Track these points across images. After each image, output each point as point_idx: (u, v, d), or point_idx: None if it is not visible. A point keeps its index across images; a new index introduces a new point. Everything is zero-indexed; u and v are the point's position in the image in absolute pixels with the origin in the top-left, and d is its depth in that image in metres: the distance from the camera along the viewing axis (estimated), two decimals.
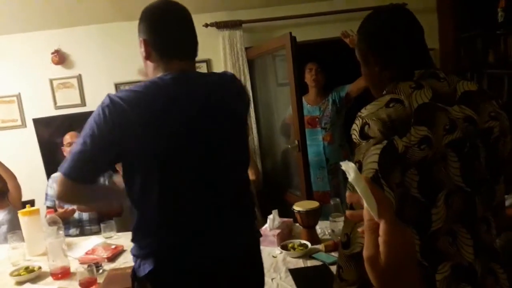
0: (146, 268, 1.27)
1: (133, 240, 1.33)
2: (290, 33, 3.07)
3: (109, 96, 1.24)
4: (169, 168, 1.26)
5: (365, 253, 0.58)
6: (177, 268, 1.28)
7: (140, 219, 1.30)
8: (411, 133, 0.98)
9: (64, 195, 1.31)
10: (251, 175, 3.39)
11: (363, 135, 1.01)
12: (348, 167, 0.60)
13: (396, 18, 1.18)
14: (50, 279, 2.04)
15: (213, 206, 1.33)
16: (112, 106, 1.21)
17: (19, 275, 2.05)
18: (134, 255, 1.33)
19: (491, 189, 1.08)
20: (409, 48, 1.15)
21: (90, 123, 1.24)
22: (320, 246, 2.10)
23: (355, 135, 1.04)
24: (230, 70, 3.74)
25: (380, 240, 0.56)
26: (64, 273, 2.04)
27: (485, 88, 3.67)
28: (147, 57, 1.36)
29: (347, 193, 0.68)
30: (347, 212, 0.70)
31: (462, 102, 1.06)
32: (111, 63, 3.84)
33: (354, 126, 1.05)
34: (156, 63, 1.35)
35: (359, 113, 1.06)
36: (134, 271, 1.32)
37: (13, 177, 2.98)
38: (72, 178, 1.25)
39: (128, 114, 1.20)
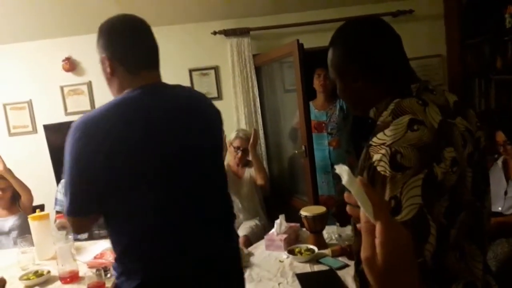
0: (134, 282, 1.27)
1: (118, 260, 1.32)
2: (298, 40, 3.09)
3: (76, 126, 1.19)
4: (158, 185, 1.24)
5: (362, 254, 0.59)
6: (164, 276, 1.28)
7: (129, 241, 1.29)
8: (444, 156, 0.88)
9: (78, 230, 1.51)
10: (260, 180, 3.40)
11: (397, 166, 0.87)
12: (342, 170, 0.60)
13: (380, 29, 1.09)
14: (58, 283, 2.06)
15: (198, 217, 1.32)
16: (85, 135, 1.17)
17: (28, 279, 2.07)
18: (119, 273, 1.32)
19: (488, 200, 1.06)
20: (397, 60, 1.07)
21: (67, 159, 1.20)
22: (327, 251, 2.11)
23: (383, 167, 0.88)
24: (237, 76, 3.78)
25: (377, 241, 0.57)
26: (72, 277, 2.05)
27: (493, 94, 3.67)
28: (112, 73, 1.31)
29: (345, 194, 0.67)
30: (348, 208, 0.69)
31: (458, 114, 1.02)
32: None
33: (378, 156, 0.90)
34: (122, 78, 1.30)
35: (379, 142, 0.92)
36: (117, 286, 1.32)
37: (28, 191, 3.02)
38: (75, 215, 1.29)
39: (103, 138, 1.17)
